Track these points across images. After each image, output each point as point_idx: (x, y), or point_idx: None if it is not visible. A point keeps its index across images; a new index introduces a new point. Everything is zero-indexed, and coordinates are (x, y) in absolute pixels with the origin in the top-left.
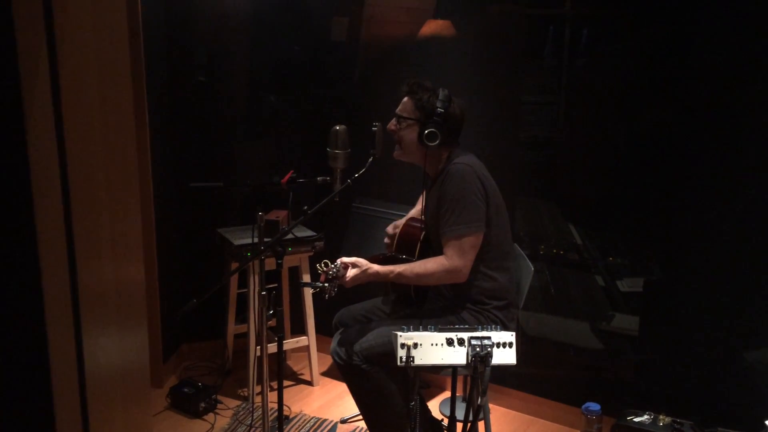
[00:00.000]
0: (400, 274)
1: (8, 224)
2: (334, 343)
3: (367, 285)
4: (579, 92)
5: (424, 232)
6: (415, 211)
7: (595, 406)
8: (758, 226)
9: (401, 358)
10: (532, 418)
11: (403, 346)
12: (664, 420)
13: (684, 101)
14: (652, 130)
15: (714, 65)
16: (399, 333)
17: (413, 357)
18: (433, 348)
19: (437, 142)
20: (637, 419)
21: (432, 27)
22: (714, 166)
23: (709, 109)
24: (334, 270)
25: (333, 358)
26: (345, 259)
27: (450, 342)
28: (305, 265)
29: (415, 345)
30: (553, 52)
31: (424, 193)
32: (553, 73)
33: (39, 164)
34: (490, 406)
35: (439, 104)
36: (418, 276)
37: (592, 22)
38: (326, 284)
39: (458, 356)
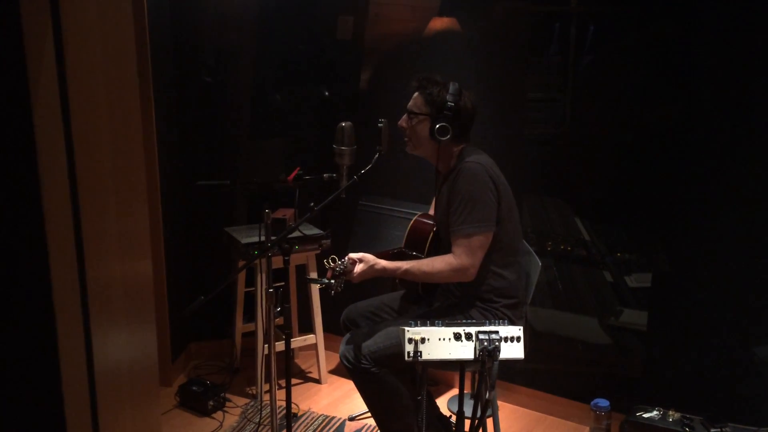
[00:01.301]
0: (407, 271)
1: (17, 222)
2: (342, 346)
3: (374, 282)
4: (585, 89)
5: (434, 228)
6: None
7: (604, 403)
8: (766, 221)
9: (409, 353)
10: (540, 414)
11: (410, 341)
12: (673, 416)
13: (690, 96)
14: (660, 126)
15: (721, 60)
16: (406, 328)
17: (421, 352)
18: (441, 343)
19: (449, 136)
20: (646, 415)
21: (437, 25)
22: (723, 160)
23: (716, 103)
24: (342, 266)
25: (342, 361)
26: (352, 255)
27: (458, 336)
28: (312, 263)
29: (423, 340)
30: (559, 50)
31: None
32: (560, 70)
33: (47, 163)
34: (499, 403)
35: (449, 98)
36: (426, 274)
37: (598, 19)
38: (332, 281)
39: (466, 351)
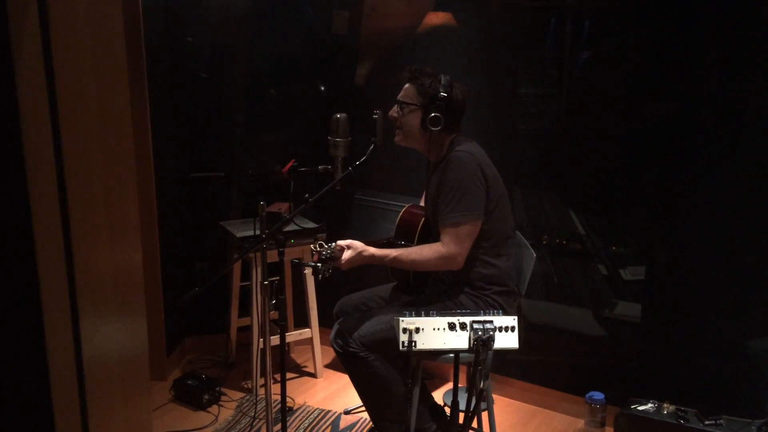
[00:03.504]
0: (395, 259)
1: (3, 210)
2: (333, 333)
3: (366, 273)
4: (581, 84)
5: (423, 219)
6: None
7: (598, 395)
8: (762, 214)
9: (403, 342)
10: (535, 408)
11: (405, 330)
12: (668, 408)
13: (686, 91)
14: (655, 120)
15: (716, 55)
16: (401, 318)
17: (415, 342)
18: (435, 332)
19: (440, 126)
20: (641, 408)
21: (433, 19)
22: (718, 154)
23: (711, 97)
24: (328, 251)
25: (333, 346)
26: (340, 242)
27: (452, 326)
28: (308, 257)
29: (417, 330)
30: (554, 45)
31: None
32: (555, 65)
33: (34, 150)
34: (494, 396)
35: (441, 89)
36: (414, 262)
37: (593, 14)
38: (319, 264)
39: (460, 340)
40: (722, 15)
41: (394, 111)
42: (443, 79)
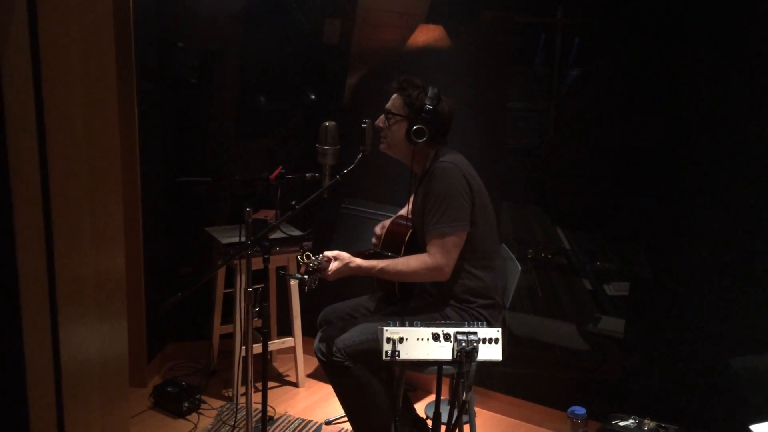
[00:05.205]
0: (382, 270)
1: None
2: (317, 341)
3: (351, 284)
4: (569, 100)
5: (410, 230)
6: (405, 211)
7: (580, 410)
8: (744, 233)
9: (387, 352)
10: (517, 422)
11: (388, 340)
12: (649, 424)
13: (673, 108)
14: (641, 137)
15: (703, 74)
16: (385, 327)
17: (398, 351)
18: (419, 343)
19: (425, 139)
20: (622, 423)
21: (424, 32)
22: (703, 172)
23: (697, 115)
24: (316, 262)
25: (316, 355)
26: (327, 253)
27: (436, 337)
28: (293, 265)
29: (401, 339)
30: (544, 60)
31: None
32: (544, 80)
33: (18, 152)
34: (476, 409)
35: (428, 101)
36: (400, 273)
37: (583, 31)
38: (306, 276)
39: (444, 351)
40: (711, 32)
41: (380, 120)
42: (431, 91)
